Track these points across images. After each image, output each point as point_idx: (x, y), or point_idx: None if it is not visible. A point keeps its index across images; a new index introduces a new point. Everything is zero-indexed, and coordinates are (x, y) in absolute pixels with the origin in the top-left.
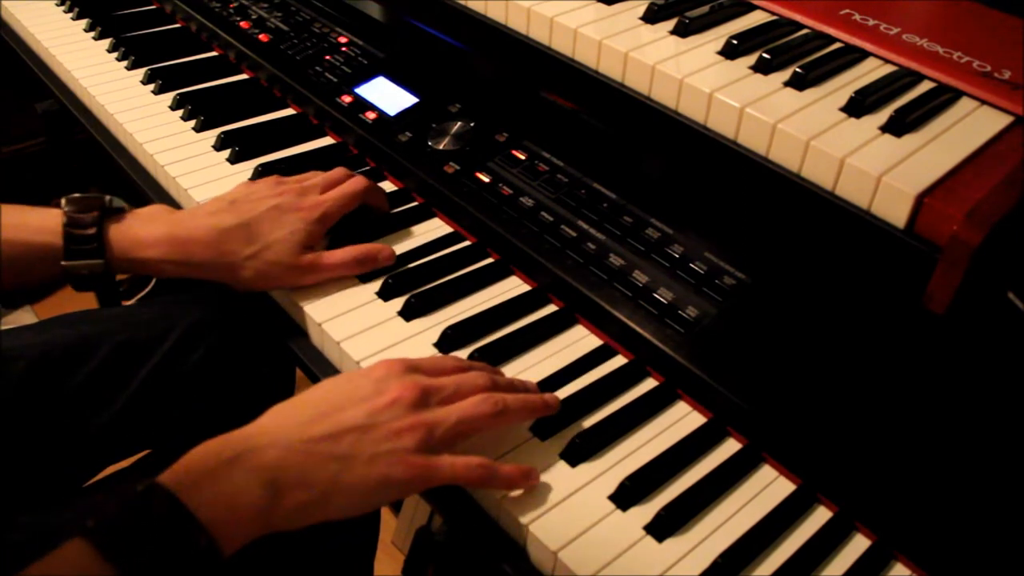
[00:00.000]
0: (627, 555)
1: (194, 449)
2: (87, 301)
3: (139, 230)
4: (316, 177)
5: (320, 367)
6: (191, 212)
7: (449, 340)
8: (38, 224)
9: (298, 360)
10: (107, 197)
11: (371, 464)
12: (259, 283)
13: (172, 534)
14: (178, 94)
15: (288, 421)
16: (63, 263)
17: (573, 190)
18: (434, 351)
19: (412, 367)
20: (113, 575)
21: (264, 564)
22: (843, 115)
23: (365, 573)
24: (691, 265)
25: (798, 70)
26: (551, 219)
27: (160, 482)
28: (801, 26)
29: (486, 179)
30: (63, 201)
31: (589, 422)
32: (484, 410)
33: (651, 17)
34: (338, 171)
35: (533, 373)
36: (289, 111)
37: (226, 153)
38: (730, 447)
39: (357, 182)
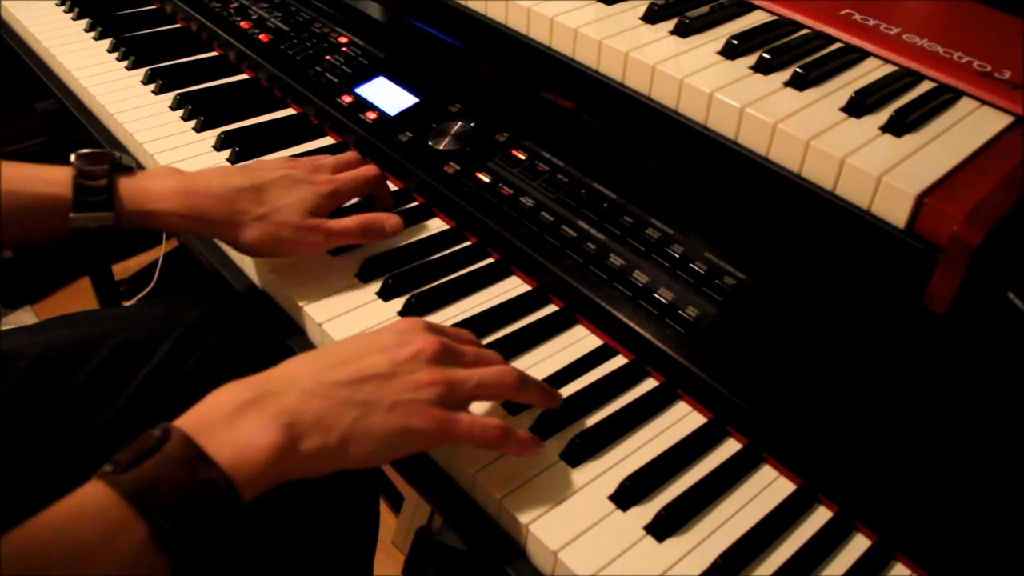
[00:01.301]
0: (627, 555)
1: (210, 394)
2: (87, 301)
3: (150, 184)
4: (328, 159)
5: None
6: (202, 172)
7: None
8: (49, 176)
9: None
10: (117, 153)
11: (391, 412)
12: (264, 245)
13: (188, 472)
14: (178, 94)
15: (308, 367)
16: (72, 215)
17: (573, 190)
18: None
19: (435, 327)
20: (130, 515)
21: (264, 564)
22: (843, 115)
23: (365, 573)
24: (691, 265)
25: (798, 70)
26: (551, 219)
27: (175, 425)
28: (801, 26)
29: (486, 179)
30: (73, 156)
31: (589, 422)
32: (508, 379)
33: (651, 17)
34: (350, 154)
35: (533, 373)
36: (289, 111)
37: (226, 153)
38: (730, 447)
39: (371, 169)
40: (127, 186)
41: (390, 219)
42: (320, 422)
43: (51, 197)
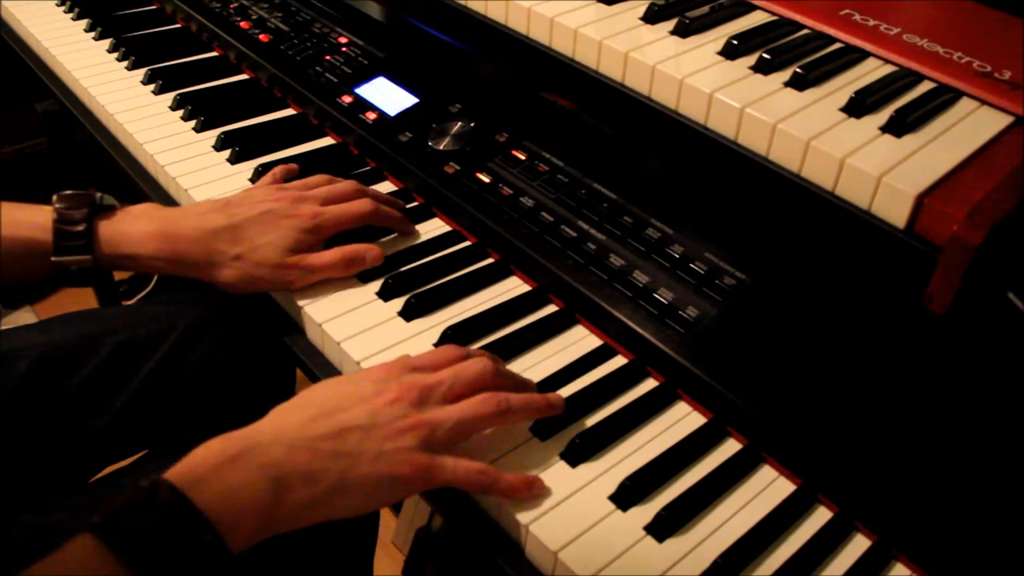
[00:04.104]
0: (627, 555)
1: (198, 448)
2: (87, 301)
3: (128, 227)
4: (321, 188)
5: (320, 367)
6: (182, 211)
7: (449, 340)
8: (29, 220)
9: (298, 360)
10: (98, 194)
11: (375, 462)
12: (243, 284)
13: (177, 527)
14: (178, 94)
15: (292, 420)
16: (52, 259)
17: (573, 190)
18: None
19: (410, 367)
20: (120, 570)
21: (264, 564)
22: (843, 115)
23: (365, 573)
24: (691, 265)
25: (798, 70)
26: (551, 219)
27: (165, 478)
28: (801, 26)
29: (486, 179)
30: (54, 198)
31: (589, 422)
32: (486, 410)
33: (651, 17)
34: (347, 185)
35: (533, 373)
36: (289, 111)
37: (226, 153)
38: (730, 447)
39: (363, 205)
40: (106, 229)
41: (370, 251)
42: (307, 475)
43: (32, 242)
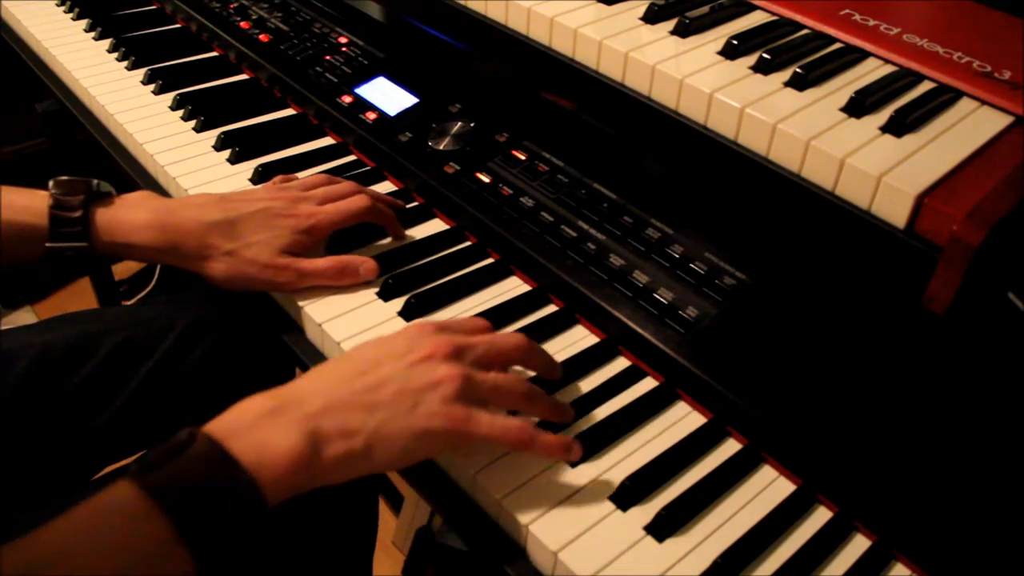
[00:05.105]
0: (627, 555)
1: (236, 404)
2: (87, 301)
3: (125, 215)
4: (319, 188)
5: None
6: (180, 201)
7: None
8: (24, 205)
9: (298, 360)
10: (94, 181)
11: (412, 413)
12: (232, 281)
13: (212, 472)
14: (178, 94)
15: (328, 378)
16: (47, 244)
17: (573, 190)
18: None
19: (443, 326)
20: (155, 512)
21: (263, 564)
22: (843, 115)
23: (364, 573)
24: (691, 265)
25: (798, 70)
26: (551, 219)
27: (201, 429)
28: (801, 26)
29: (486, 179)
30: (51, 183)
31: (588, 422)
32: (518, 388)
33: (651, 17)
34: (345, 185)
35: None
36: (289, 111)
37: (226, 153)
38: (730, 447)
39: (358, 201)
40: (102, 216)
41: (365, 263)
42: (343, 428)
43: (27, 226)
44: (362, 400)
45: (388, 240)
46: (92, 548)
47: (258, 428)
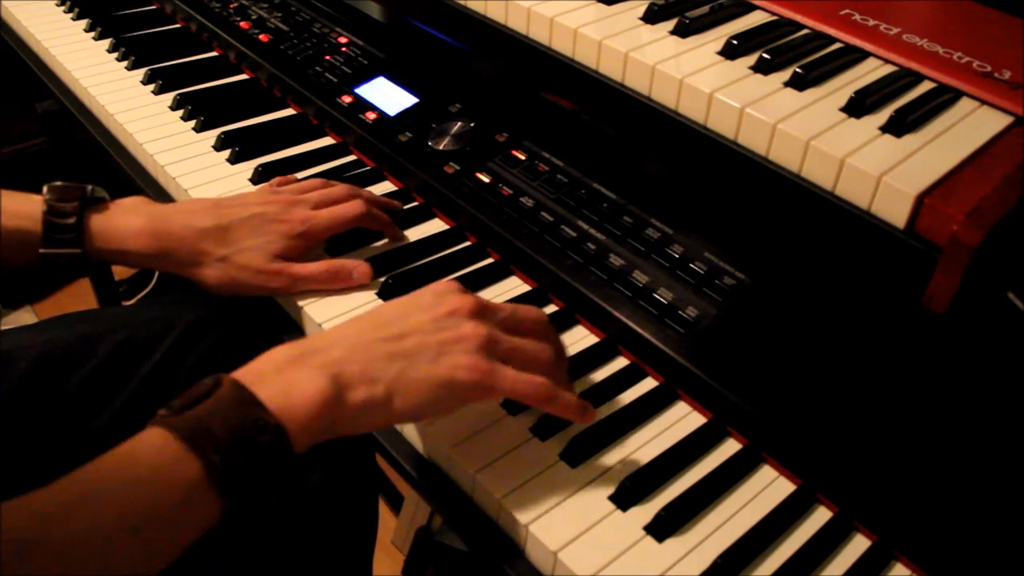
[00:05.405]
0: (627, 555)
1: (261, 354)
2: (87, 301)
3: (119, 221)
4: (315, 191)
5: None
6: (173, 207)
7: None
8: (16, 209)
9: None
10: (88, 187)
11: (435, 363)
12: (225, 286)
13: (240, 413)
14: (178, 94)
15: (353, 329)
16: (41, 250)
17: (573, 190)
18: None
19: (466, 290)
20: (185, 453)
21: (263, 564)
22: (843, 115)
23: (364, 573)
24: (691, 265)
25: (798, 70)
26: (551, 219)
27: (227, 376)
28: (801, 26)
29: (486, 179)
30: (45, 189)
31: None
32: (543, 354)
33: (651, 17)
34: (341, 189)
35: None
36: (289, 111)
37: (226, 153)
38: (730, 447)
39: (352, 207)
40: (96, 223)
41: (359, 267)
42: (366, 374)
43: (21, 231)
44: (386, 349)
45: (387, 240)
46: (122, 490)
47: (283, 373)
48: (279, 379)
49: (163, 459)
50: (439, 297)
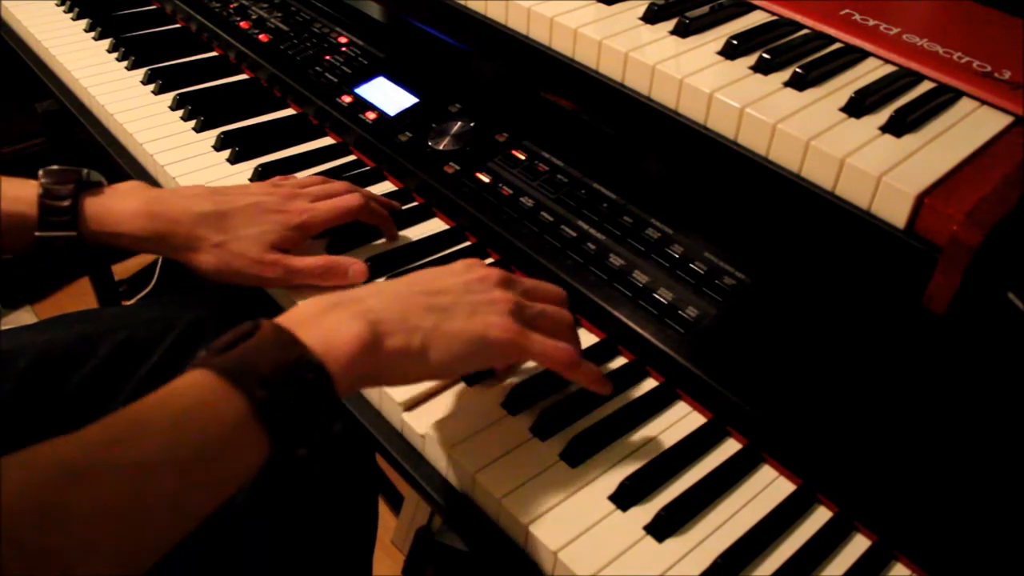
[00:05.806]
0: (627, 555)
1: (296, 304)
2: (87, 301)
3: (115, 204)
4: (314, 186)
5: None
6: (171, 191)
7: None
8: (13, 194)
9: None
10: (84, 170)
11: (470, 319)
12: (220, 273)
13: (282, 351)
14: (178, 94)
15: (388, 285)
16: (37, 233)
17: (573, 190)
18: None
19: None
20: (229, 389)
21: (263, 563)
22: (843, 115)
23: (364, 573)
24: (691, 265)
25: (798, 70)
26: (551, 219)
27: (266, 320)
28: (801, 26)
29: (486, 179)
30: (40, 172)
31: (589, 422)
32: (562, 319)
33: (651, 17)
34: (339, 184)
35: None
36: (289, 111)
37: (226, 153)
38: (730, 447)
39: (350, 199)
40: (92, 206)
41: (355, 265)
42: (403, 323)
43: (17, 215)
44: (423, 301)
45: (386, 240)
46: (167, 427)
47: (322, 319)
48: (318, 324)
49: (208, 395)
50: (469, 266)
